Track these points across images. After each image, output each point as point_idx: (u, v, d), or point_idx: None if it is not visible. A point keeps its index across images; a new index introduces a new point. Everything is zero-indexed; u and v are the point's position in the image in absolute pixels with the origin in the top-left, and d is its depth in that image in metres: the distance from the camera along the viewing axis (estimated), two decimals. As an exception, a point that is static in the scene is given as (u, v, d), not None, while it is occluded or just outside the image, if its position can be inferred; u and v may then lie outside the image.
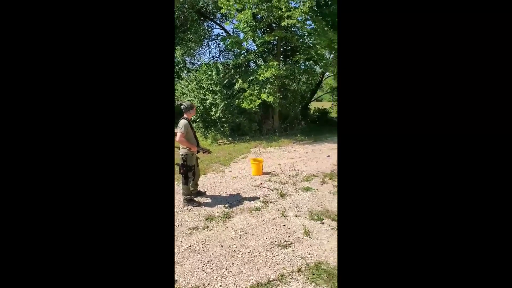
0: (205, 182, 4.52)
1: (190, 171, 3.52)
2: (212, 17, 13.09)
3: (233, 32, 12.15)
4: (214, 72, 9.36)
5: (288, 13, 8.02)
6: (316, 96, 16.42)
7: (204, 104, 9.38)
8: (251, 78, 9.29)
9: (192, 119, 4.39)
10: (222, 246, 2.58)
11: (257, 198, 3.82)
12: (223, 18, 12.75)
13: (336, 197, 3.82)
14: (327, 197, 3.81)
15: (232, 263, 2.32)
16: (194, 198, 3.67)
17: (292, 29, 9.43)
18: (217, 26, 13.79)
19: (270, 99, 8.76)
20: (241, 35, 10.17)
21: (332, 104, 16.20)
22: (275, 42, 10.06)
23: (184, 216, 3.25)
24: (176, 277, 2.16)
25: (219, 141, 8.97)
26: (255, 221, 3.11)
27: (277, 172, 5.14)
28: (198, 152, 3.63)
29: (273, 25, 9.75)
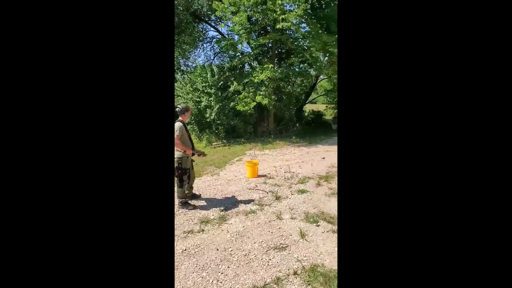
0: (200, 185, 4.49)
1: (185, 174, 3.50)
2: (206, 19, 13.08)
3: (228, 35, 12.17)
4: (209, 74, 9.35)
5: (283, 16, 8.07)
6: (310, 98, 16.50)
7: (199, 106, 9.36)
8: (246, 80, 9.31)
9: (186, 122, 4.37)
10: (217, 250, 2.57)
11: (253, 200, 3.81)
12: (218, 20, 12.76)
13: (331, 199, 3.83)
14: (323, 200, 3.82)
15: (228, 267, 2.30)
16: (189, 201, 3.65)
17: (287, 32, 9.49)
18: (211, 28, 13.79)
19: (265, 101, 8.78)
20: (236, 37, 10.19)
21: (327, 107, 16.30)
22: (270, 45, 10.10)
23: (179, 219, 3.22)
24: (171, 281, 2.13)
25: (214, 143, 8.95)
26: (250, 224, 3.10)
27: (273, 175, 5.14)
28: (193, 155, 3.61)
29: (268, 28, 9.80)
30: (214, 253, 2.51)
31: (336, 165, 5.79)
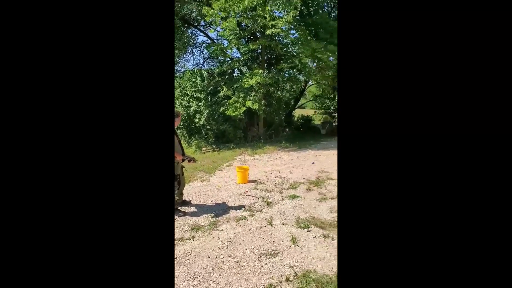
0: (189, 191, 4.44)
1: (175, 180, 3.45)
2: (196, 24, 13.07)
3: (218, 40, 12.18)
4: (198, 79, 9.32)
5: (272, 22, 8.15)
6: (299, 103, 16.65)
7: (188, 111, 9.30)
8: (236, 85, 9.32)
9: (176, 127, 4.33)
10: (209, 257, 2.53)
11: (243, 206, 3.79)
12: (207, 25, 12.77)
13: (321, 204, 3.85)
14: (313, 205, 3.84)
15: (220, 275, 2.27)
16: (179, 208, 3.59)
17: (276, 38, 9.59)
18: (201, 34, 13.81)
19: (255, 106, 8.80)
20: (226, 42, 10.22)
21: (315, 112, 16.47)
22: (260, 50, 10.17)
23: (169, 226, 3.17)
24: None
25: (203, 148, 8.89)
26: (242, 230, 3.08)
27: (263, 180, 5.14)
28: (183, 160, 3.57)
29: (258, 34, 9.87)
30: (205, 260, 2.48)
31: (325, 169, 5.85)
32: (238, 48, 9.92)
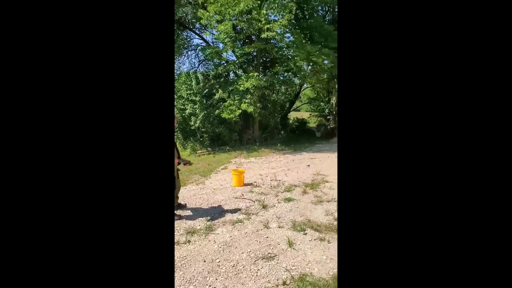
0: (185, 194, 4.41)
1: (171, 184, 3.43)
2: (191, 27, 13.07)
3: (213, 43, 12.19)
4: (193, 82, 9.29)
5: (268, 26, 8.19)
6: (294, 106, 16.73)
7: (183, 114, 9.26)
8: (231, 88, 9.32)
9: (172, 130, 4.30)
10: (205, 261, 2.51)
11: (239, 210, 3.78)
12: (203, 28, 12.78)
13: (317, 207, 3.86)
14: (309, 208, 3.84)
15: (216, 279, 2.26)
16: (175, 211, 3.57)
17: (272, 41, 9.62)
18: (196, 36, 13.80)
19: (250, 109, 8.80)
20: (221, 45, 10.22)
21: (310, 114, 16.56)
22: (255, 54, 10.20)
23: (164, 230, 3.14)
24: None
25: (198, 151, 8.85)
26: (238, 233, 3.07)
27: (259, 183, 5.13)
28: (179, 164, 3.55)
29: (253, 37, 9.91)
30: (201, 264, 2.46)
31: (321, 172, 5.87)
32: (233, 51, 9.94)
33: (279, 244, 2.81)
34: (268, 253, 2.64)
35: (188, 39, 13.72)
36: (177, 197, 3.72)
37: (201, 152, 8.77)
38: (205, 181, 5.41)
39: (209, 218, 3.48)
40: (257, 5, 8.30)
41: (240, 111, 8.91)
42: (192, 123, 9.09)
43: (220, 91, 9.24)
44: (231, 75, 11.11)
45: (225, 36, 9.13)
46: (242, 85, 8.70)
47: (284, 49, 9.99)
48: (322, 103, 15.49)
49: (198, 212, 3.69)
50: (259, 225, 3.28)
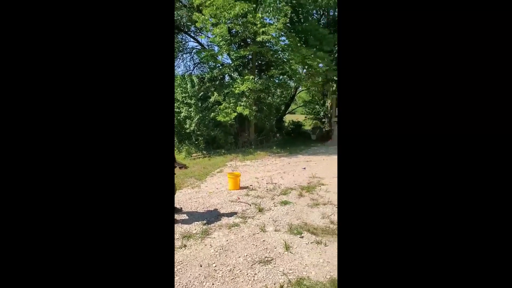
0: (180, 198, 4.38)
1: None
2: (186, 30, 13.06)
3: (208, 46, 12.21)
4: (188, 85, 9.27)
5: (263, 29, 8.22)
6: (290, 109, 16.79)
7: (178, 117, 9.23)
8: (227, 91, 9.32)
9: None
10: (201, 266, 2.48)
11: (235, 213, 3.76)
12: (198, 31, 12.78)
13: (313, 210, 3.86)
14: (305, 211, 3.84)
15: (213, 284, 2.23)
16: (170, 215, 3.53)
17: (267, 44, 9.66)
18: (191, 39, 13.78)
19: (246, 112, 8.80)
20: (216, 48, 10.23)
21: (306, 117, 16.62)
22: (250, 57, 10.22)
23: (160, 234, 3.10)
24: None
25: (193, 154, 8.81)
26: (234, 237, 3.05)
27: (255, 186, 5.11)
28: (174, 167, 3.52)
29: (248, 40, 9.93)
30: (198, 269, 2.43)
31: (316, 175, 5.87)
32: (228, 54, 9.95)
33: (276, 248, 2.79)
34: (265, 257, 2.62)
35: (183, 42, 13.72)
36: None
37: (196, 155, 8.73)
38: (201, 184, 5.38)
39: (205, 222, 3.46)
40: (252, 8, 8.33)
41: (235, 114, 8.90)
42: (187, 126, 9.06)
43: (215, 94, 9.23)
44: (227, 78, 11.12)
45: (220, 39, 9.14)
46: (237, 88, 8.70)
47: (280, 52, 10.04)
48: (317, 106, 15.57)
49: (193, 216, 3.66)
50: (256, 228, 3.26)
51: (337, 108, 11.89)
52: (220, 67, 10.23)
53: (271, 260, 2.57)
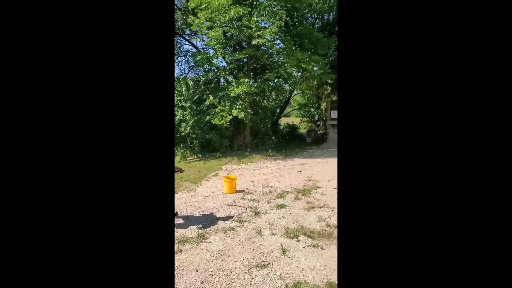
0: (176, 202, 4.34)
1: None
2: (181, 33, 13.06)
3: (203, 49, 12.19)
4: (183, 88, 9.25)
5: (258, 33, 8.25)
6: (285, 112, 16.84)
7: (174, 120, 9.19)
8: (222, 94, 9.31)
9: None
10: (197, 271, 2.46)
11: (232, 217, 3.74)
12: (193, 34, 12.79)
13: (310, 213, 3.86)
14: (301, 214, 3.83)
15: (209, 289, 2.21)
16: (165, 220, 3.50)
17: (262, 47, 9.70)
18: (186, 42, 13.78)
19: (241, 115, 8.80)
20: (211, 51, 10.23)
21: (301, 120, 16.69)
22: (245, 60, 10.25)
23: (155, 239, 3.07)
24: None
25: (188, 158, 8.77)
26: (230, 241, 3.03)
27: (251, 190, 5.10)
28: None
29: (243, 43, 9.96)
30: (194, 274, 2.40)
31: (312, 178, 5.88)
32: (224, 57, 9.96)
33: (273, 252, 2.78)
34: (262, 261, 2.60)
35: (178, 45, 13.70)
36: (168, 205, 3.66)
37: (191, 159, 8.68)
38: (196, 188, 5.35)
39: (201, 226, 3.43)
40: (247, 12, 8.37)
41: (231, 117, 8.89)
42: (182, 129, 9.02)
43: (210, 97, 9.22)
44: (222, 81, 11.12)
45: (215, 42, 9.15)
46: (233, 91, 8.70)
47: (275, 55, 10.09)
48: (312, 109, 15.64)
49: (189, 220, 3.63)
50: (252, 232, 3.24)
51: (332, 111, 11.96)
52: (215, 70, 10.23)
53: (268, 264, 2.56)
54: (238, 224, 3.49)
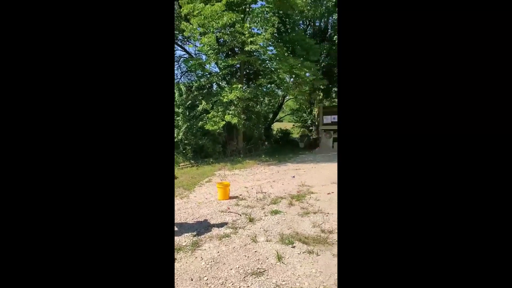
0: (169, 209, 4.28)
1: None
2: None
3: (196, 54, 12.20)
4: (176, 94, 9.21)
5: (251, 39, 8.30)
6: (277, 117, 16.91)
7: (166, 126, 9.12)
8: (215, 99, 9.30)
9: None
10: (192, 279, 2.42)
11: (226, 224, 3.71)
12: (185, 40, 12.78)
13: (304, 219, 3.85)
14: (296, 220, 3.83)
15: (204, 298, 2.18)
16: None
17: (255, 53, 9.75)
18: (179, 48, 13.76)
19: (234, 120, 8.80)
20: (204, 57, 10.24)
21: (293, 125, 16.78)
22: (238, 66, 10.28)
23: (148, 248, 3.01)
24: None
25: (181, 164, 8.70)
26: (225, 248, 3.00)
27: (244, 196, 5.08)
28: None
29: (236, 49, 10.00)
30: (189, 283, 2.37)
31: (306, 183, 5.90)
32: (216, 63, 9.98)
33: (268, 259, 2.76)
34: (257, 268, 2.58)
35: (171, 51, 13.65)
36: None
37: (184, 165, 8.62)
38: (189, 194, 5.30)
39: (195, 233, 3.39)
40: (240, 18, 8.43)
41: (224, 122, 8.88)
42: (174, 135, 8.95)
43: (203, 102, 9.20)
44: (214, 86, 11.11)
45: (208, 48, 9.17)
46: (225, 97, 8.70)
47: (267, 61, 10.15)
48: (304, 114, 15.75)
49: (183, 227, 3.58)
50: (247, 239, 3.22)
51: (324, 117, 12.05)
52: (208, 75, 10.23)
53: (263, 271, 2.54)
54: (232, 231, 3.46)
